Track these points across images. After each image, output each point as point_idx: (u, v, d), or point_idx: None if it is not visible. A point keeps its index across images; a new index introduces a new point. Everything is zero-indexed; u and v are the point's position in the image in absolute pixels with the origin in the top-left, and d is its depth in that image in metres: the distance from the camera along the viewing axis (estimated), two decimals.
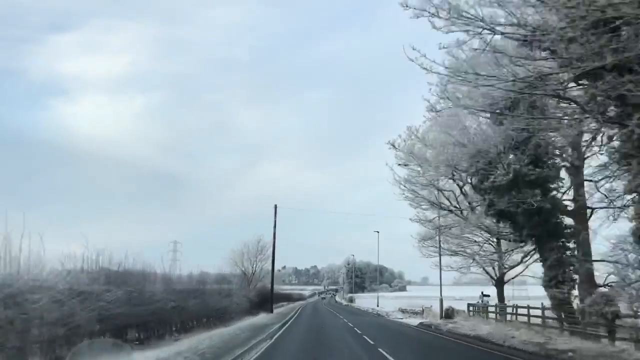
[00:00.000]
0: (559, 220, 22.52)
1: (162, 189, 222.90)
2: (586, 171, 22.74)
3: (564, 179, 23.36)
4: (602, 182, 22.28)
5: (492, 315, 31.31)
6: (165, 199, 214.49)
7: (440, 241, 34.33)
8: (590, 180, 22.65)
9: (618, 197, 20.86)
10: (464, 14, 11.28)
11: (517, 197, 21.22)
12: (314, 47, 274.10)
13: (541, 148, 21.27)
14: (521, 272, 33.11)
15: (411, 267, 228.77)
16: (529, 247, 27.49)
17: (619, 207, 20.81)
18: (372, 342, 19.75)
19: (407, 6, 11.36)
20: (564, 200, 23.28)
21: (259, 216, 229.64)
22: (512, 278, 34.83)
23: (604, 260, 21.45)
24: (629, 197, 17.31)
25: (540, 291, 24.44)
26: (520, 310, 26.96)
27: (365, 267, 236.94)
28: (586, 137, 21.50)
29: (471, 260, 33.86)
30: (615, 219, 20.93)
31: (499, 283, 34.22)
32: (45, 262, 11.53)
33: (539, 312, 23.52)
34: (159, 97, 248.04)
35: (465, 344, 20.60)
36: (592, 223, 22.40)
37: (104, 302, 13.06)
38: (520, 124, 17.92)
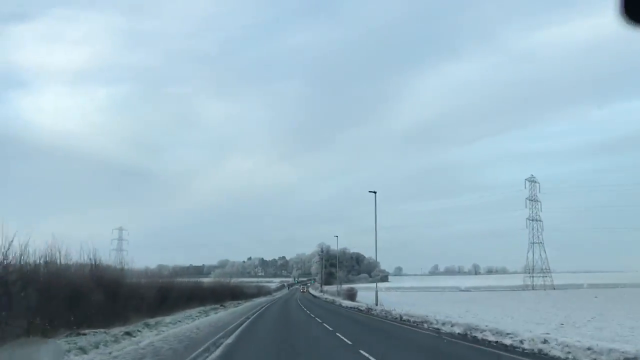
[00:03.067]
0: None
1: (124, 183, 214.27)
2: None
3: None
4: None
5: None
6: (129, 193, 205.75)
7: None
8: None
9: None
10: None
11: None
12: (282, 38, 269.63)
13: None
14: None
15: (384, 257, 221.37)
16: None
17: None
18: None
19: None
20: None
21: (228, 210, 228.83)
22: None
23: None
24: None
25: None
26: None
27: (340, 255, 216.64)
28: None
29: None
30: None
31: None
32: None
33: None
34: (123, 90, 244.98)
35: None
36: None
37: None
38: None
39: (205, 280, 61.66)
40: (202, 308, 31.11)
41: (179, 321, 20.87)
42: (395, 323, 25.28)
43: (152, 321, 18.63)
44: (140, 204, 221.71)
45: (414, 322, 24.41)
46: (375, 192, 41.48)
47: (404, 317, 26.71)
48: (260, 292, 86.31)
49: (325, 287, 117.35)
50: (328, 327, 22.19)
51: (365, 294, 68.58)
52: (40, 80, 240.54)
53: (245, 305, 47.88)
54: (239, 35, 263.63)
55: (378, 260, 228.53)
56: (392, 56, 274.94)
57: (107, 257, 22.03)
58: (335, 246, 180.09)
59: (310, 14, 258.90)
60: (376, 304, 39.53)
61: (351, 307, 43.04)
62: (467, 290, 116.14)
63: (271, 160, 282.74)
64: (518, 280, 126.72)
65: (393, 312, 30.29)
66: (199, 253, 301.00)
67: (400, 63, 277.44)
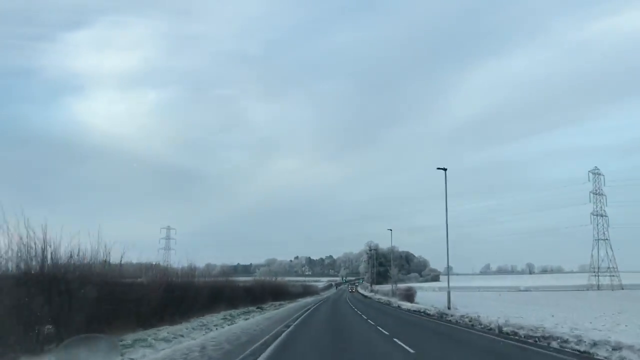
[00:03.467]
0: None
1: (174, 183, 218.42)
2: None
3: None
4: None
5: None
6: (177, 194, 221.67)
7: None
8: None
9: None
10: None
11: None
12: (326, 38, 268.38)
13: None
14: None
15: (433, 256, 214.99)
16: None
17: None
18: None
19: None
20: None
21: (276, 209, 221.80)
22: None
23: None
24: None
25: None
26: None
27: (389, 254, 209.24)
28: None
29: None
30: None
31: None
32: None
33: None
34: (172, 93, 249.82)
35: None
36: None
37: None
38: None
39: (245, 279, 55.10)
40: (231, 312, 24.23)
41: (181, 335, 13.88)
42: (495, 337, 17.44)
43: (130, 338, 11.79)
44: (189, 204, 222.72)
45: (527, 337, 16.51)
46: (445, 169, 33.62)
47: (505, 329, 18.82)
48: (307, 291, 78.96)
49: (376, 287, 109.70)
50: (402, 344, 14.70)
51: (422, 294, 60.59)
52: (93, 85, 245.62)
53: (288, 307, 40.83)
54: (284, 36, 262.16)
55: (427, 258, 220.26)
56: (439, 52, 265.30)
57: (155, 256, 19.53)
58: (383, 245, 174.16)
59: (354, 13, 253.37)
60: (448, 307, 31.57)
61: (415, 311, 35.23)
62: (528, 290, 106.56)
63: (317, 160, 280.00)
64: (580, 279, 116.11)
65: (482, 320, 22.39)
66: (247, 252, 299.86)
67: (448, 59, 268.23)
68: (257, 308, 31.67)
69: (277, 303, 41.67)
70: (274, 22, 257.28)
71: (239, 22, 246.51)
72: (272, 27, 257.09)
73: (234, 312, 25.08)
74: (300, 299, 59.02)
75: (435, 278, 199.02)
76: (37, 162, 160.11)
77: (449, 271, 59.22)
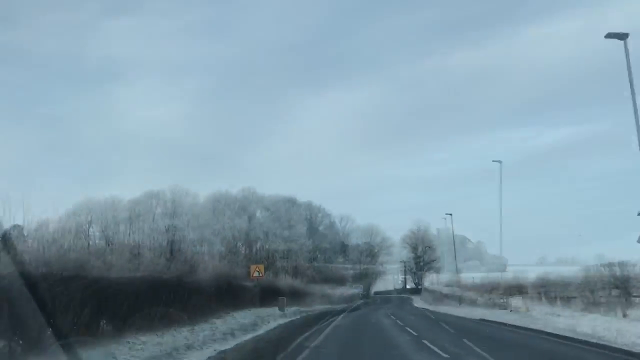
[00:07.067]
0: None
1: (211, 173, 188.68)
2: None
3: None
4: None
5: None
6: (214, 184, 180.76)
7: None
8: None
9: None
10: None
11: None
12: (366, 27, 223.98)
13: None
14: None
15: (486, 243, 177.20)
16: None
17: None
18: None
19: None
20: None
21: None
22: None
23: None
24: None
25: None
26: None
27: (445, 238, 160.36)
28: None
29: None
30: None
31: None
32: None
33: None
34: (212, 81, 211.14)
35: None
36: None
37: None
38: None
39: None
40: None
41: None
42: None
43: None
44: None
45: None
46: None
47: None
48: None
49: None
50: None
51: None
52: (134, 72, 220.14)
53: None
54: (326, 24, 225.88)
55: (481, 240, 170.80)
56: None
57: None
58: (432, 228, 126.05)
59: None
60: None
61: None
62: None
63: (351, 150, 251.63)
64: None
65: None
66: None
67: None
68: None
69: None
70: (318, 11, 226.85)
71: (282, 10, 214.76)
72: (315, 15, 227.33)
73: None
74: None
75: (502, 268, 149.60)
76: (73, 149, 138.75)
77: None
